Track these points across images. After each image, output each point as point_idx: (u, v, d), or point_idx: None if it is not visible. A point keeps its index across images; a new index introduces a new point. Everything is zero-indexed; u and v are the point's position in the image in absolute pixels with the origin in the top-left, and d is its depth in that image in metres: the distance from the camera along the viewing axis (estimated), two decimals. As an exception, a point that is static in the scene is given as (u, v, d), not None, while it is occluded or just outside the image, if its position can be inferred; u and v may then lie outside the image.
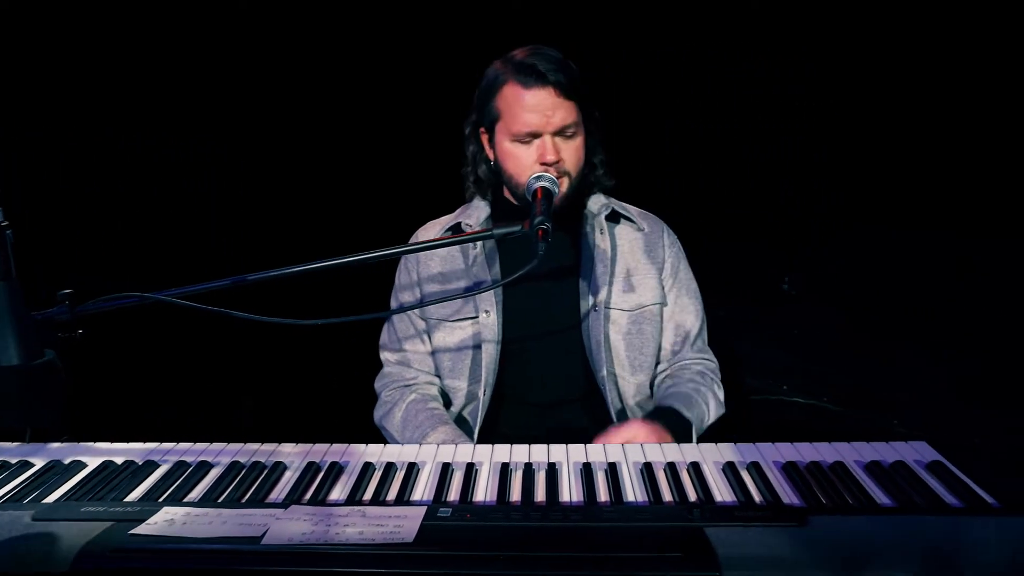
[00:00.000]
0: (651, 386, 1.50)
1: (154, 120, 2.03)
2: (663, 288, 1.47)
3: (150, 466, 1.06)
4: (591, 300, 1.41)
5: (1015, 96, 2.08)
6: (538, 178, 1.29)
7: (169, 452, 1.11)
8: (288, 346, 2.07)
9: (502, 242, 1.47)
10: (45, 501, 0.96)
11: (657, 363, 1.50)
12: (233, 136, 2.06)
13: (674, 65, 2.20)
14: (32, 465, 1.08)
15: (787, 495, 0.90)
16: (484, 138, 1.46)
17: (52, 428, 1.12)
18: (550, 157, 1.31)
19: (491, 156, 1.45)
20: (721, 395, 1.47)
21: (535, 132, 1.31)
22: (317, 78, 2.05)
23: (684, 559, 0.72)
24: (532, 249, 1.11)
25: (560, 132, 1.32)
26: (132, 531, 0.81)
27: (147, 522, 0.83)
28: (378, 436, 1.49)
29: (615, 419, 1.39)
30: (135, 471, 1.05)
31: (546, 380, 1.44)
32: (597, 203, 1.49)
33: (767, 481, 0.94)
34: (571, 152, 1.35)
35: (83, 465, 1.08)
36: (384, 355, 1.54)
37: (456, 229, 1.50)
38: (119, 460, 1.08)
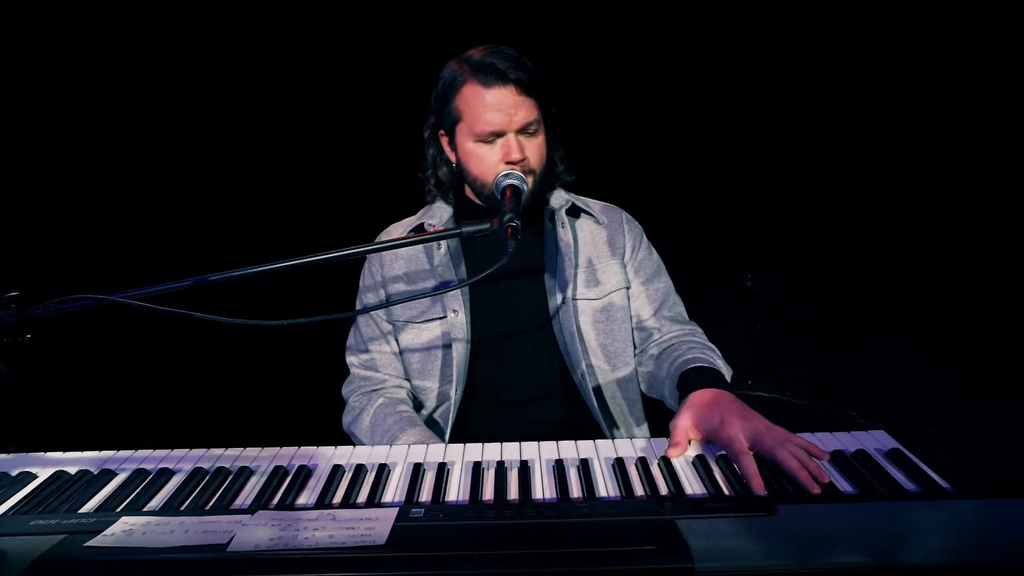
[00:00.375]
0: (636, 381, 1.49)
1: (146, 120, 2.00)
2: (626, 273, 1.48)
3: (106, 475, 1.02)
4: (559, 295, 1.41)
5: (975, 89, 2.17)
6: (506, 175, 1.28)
7: (127, 460, 1.07)
8: (252, 349, 2.02)
9: (467, 242, 1.47)
10: (-9, 515, 0.91)
11: (635, 349, 1.49)
12: (217, 136, 2.04)
13: (638, 63, 2.23)
14: (-27, 478, 1.02)
15: (752, 487, 0.92)
16: (444, 140, 1.43)
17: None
18: (515, 156, 1.30)
19: (452, 158, 1.43)
20: (721, 361, 1.39)
21: (498, 131, 1.30)
22: (279, 81, 2.03)
23: (657, 552, 0.73)
24: (503, 246, 1.10)
25: (523, 130, 1.32)
26: (87, 543, 0.77)
27: (103, 533, 0.79)
28: (347, 440, 1.46)
29: (596, 414, 1.39)
30: (90, 481, 1.00)
31: (518, 377, 1.44)
32: (559, 199, 1.50)
33: (735, 473, 0.95)
34: (534, 150, 1.34)
35: (32, 476, 1.02)
36: (350, 359, 1.52)
37: (419, 230, 1.48)
38: (72, 470, 1.03)
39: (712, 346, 1.41)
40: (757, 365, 3.60)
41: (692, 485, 0.94)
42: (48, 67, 1.93)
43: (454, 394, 1.37)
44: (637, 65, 2.08)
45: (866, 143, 2.58)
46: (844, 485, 0.92)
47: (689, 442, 1.06)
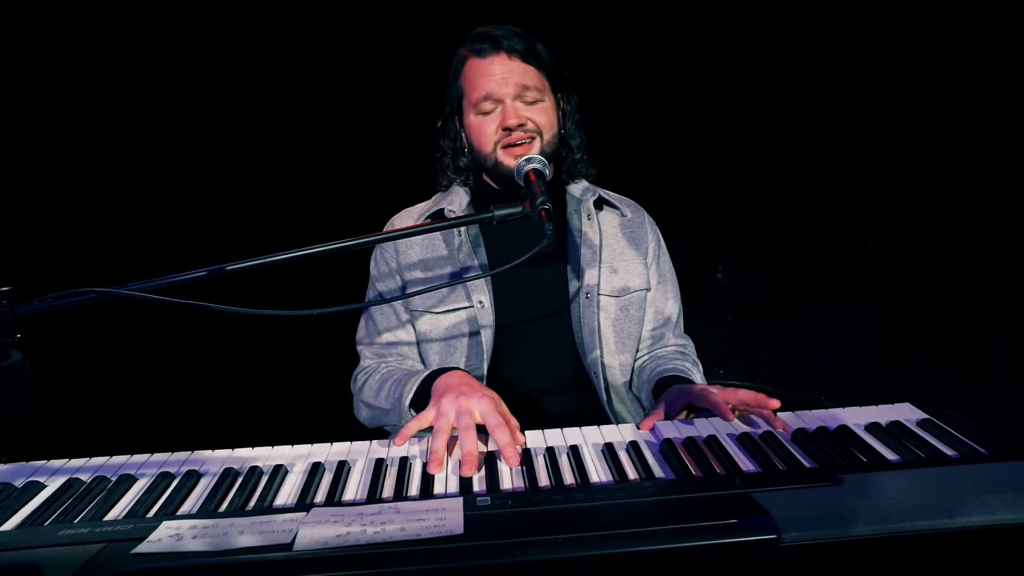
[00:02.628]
0: (631, 370, 1.51)
1: (147, 109, 1.89)
2: (648, 274, 1.49)
3: (127, 480, 0.94)
4: (578, 284, 1.41)
5: (942, 79, 2.28)
6: (528, 160, 1.26)
7: (145, 464, 0.99)
8: (252, 345, 1.93)
9: (486, 227, 1.44)
10: (3, 529, 0.83)
11: (637, 348, 1.51)
12: (217, 132, 1.95)
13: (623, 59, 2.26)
14: (-26, 491, 0.93)
15: (806, 459, 0.94)
16: (456, 124, 1.44)
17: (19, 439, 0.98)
18: (512, 120, 1.30)
19: (464, 142, 1.43)
20: (699, 375, 1.49)
21: (493, 96, 1.31)
22: (283, 72, 1.97)
23: (740, 525, 0.73)
24: (540, 230, 1.08)
25: (520, 96, 1.32)
26: (134, 551, 0.71)
27: (148, 540, 0.73)
28: (365, 433, 1.41)
29: (605, 404, 1.39)
30: (110, 488, 0.92)
31: (535, 367, 1.42)
32: (580, 188, 1.49)
33: (784, 448, 0.97)
34: (539, 114, 1.33)
35: (41, 486, 0.94)
36: (362, 349, 1.46)
37: (437, 216, 1.45)
38: (86, 477, 0.95)
39: (698, 361, 1.50)
40: (729, 354, 3.70)
41: (744, 463, 0.94)
42: (49, 66, 1.85)
43: (481, 376, 1.34)
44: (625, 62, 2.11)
45: (832, 132, 2.70)
46: (888, 454, 0.94)
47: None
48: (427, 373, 1.24)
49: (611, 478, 0.92)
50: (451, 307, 1.38)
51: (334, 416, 1.50)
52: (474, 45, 1.34)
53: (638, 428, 1.07)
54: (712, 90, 2.49)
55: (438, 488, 0.91)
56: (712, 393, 1.11)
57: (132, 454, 1.03)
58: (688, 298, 1.56)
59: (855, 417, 1.07)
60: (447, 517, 0.76)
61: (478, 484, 0.92)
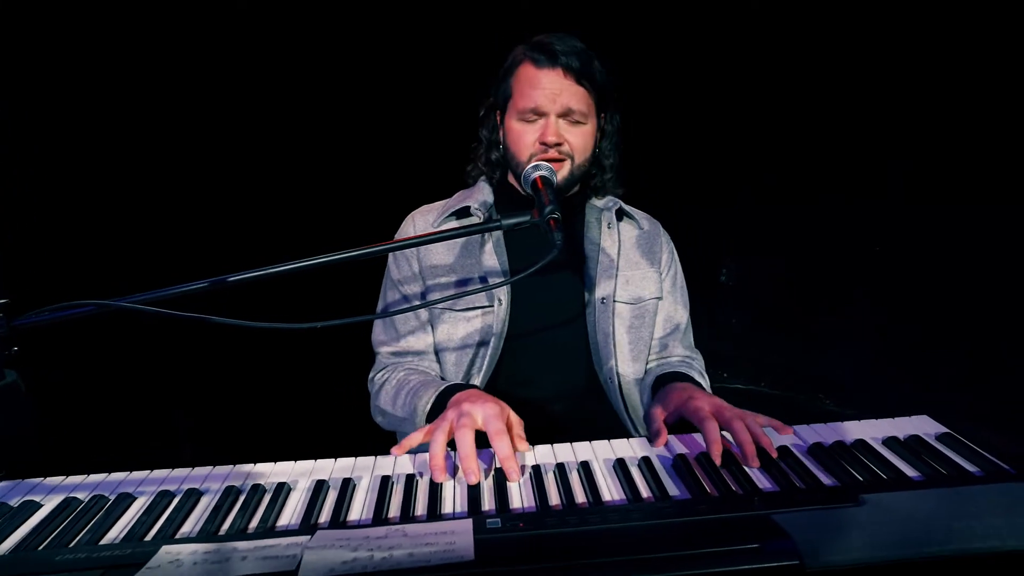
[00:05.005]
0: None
1: (147, 116, 1.87)
2: (661, 284, 1.49)
3: (125, 499, 0.92)
4: (597, 293, 1.39)
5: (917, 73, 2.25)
6: (535, 167, 1.25)
7: (144, 482, 0.97)
8: (256, 357, 1.90)
9: (509, 231, 1.43)
10: (-2, 552, 0.80)
11: (649, 351, 1.49)
12: (220, 134, 1.92)
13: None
14: (-32, 511, 0.90)
15: (824, 476, 0.91)
16: (498, 118, 1.44)
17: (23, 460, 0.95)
18: (551, 138, 1.30)
19: (501, 139, 1.44)
20: (706, 385, 1.45)
21: (539, 110, 1.31)
22: (285, 77, 1.94)
23: (761, 550, 0.70)
24: (549, 239, 1.05)
25: (566, 115, 1.32)
26: (133, 578, 0.68)
27: (147, 566, 0.71)
28: (374, 446, 1.38)
29: (622, 414, 1.37)
30: (108, 507, 0.90)
31: (548, 374, 1.40)
32: (605, 201, 1.50)
33: (801, 464, 0.94)
34: (577, 136, 1.34)
35: (37, 505, 0.91)
36: (379, 350, 1.45)
37: (462, 213, 1.43)
38: (83, 496, 0.92)
39: (704, 374, 1.47)
40: (733, 357, 3.68)
41: (761, 480, 0.92)
42: (45, 68, 1.82)
43: (480, 385, 1.32)
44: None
45: (839, 130, 2.66)
46: (909, 471, 0.92)
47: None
48: (443, 388, 1.22)
49: (623, 496, 0.89)
50: (471, 305, 1.37)
51: (343, 426, 1.47)
52: (533, 53, 1.32)
53: (650, 443, 1.05)
54: (713, 85, 2.46)
55: (446, 506, 0.89)
56: (707, 419, 1.01)
57: (132, 469, 1.00)
58: (692, 300, 1.53)
59: (872, 430, 1.04)
60: (456, 541, 0.73)
61: (487, 502, 0.89)
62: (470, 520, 0.78)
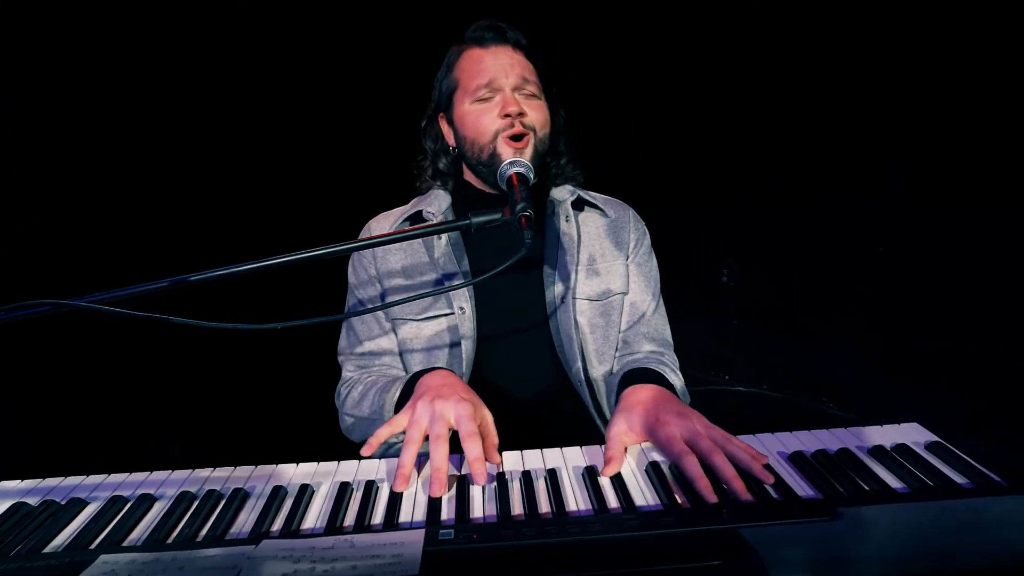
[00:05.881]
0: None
1: (117, 115, 1.85)
2: (628, 274, 1.42)
3: (77, 505, 0.89)
4: (556, 290, 1.34)
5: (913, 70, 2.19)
6: (512, 163, 1.21)
7: (99, 487, 0.94)
8: (237, 356, 1.88)
9: (467, 232, 1.38)
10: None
11: (616, 348, 1.42)
12: (220, 133, 1.91)
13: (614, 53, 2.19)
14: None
15: (801, 488, 0.86)
16: (443, 122, 1.41)
17: None
18: (513, 108, 1.27)
19: (451, 139, 1.40)
20: (683, 386, 1.37)
21: (494, 85, 1.29)
22: (255, 75, 1.91)
23: (725, 567, 0.66)
24: (517, 238, 1.02)
25: (520, 88, 1.30)
26: (61, 590, 0.65)
27: (81, 577, 0.67)
28: (346, 452, 1.35)
29: (593, 414, 1.33)
30: (56, 512, 0.87)
31: (515, 375, 1.36)
32: (563, 192, 1.44)
33: (776, 473, 0.89)
34: (535, 111, 1.31)
35: (-15, 511, 0.88)
36: (344, 362, 1.41)
37: (416, 219, 1.39)
38: (34, 501, 0.90)
39: (677, 371, 1.37)
40: (734, 359, 3.61)
41: (735, 488, 0.87)
42: (25, 65, 1.79)
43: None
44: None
45: (838, 130, 2.60)
46: (893, 482, 0.87)
47: (626, 450, 0.98)
48: (411, 376, 1.18)
49: (590, 506, 0.85)
50: (433, 314, 1.32)
51: (324, 429, 1.44)
52: (476, 34, 1.33)
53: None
54: (713, 84, 2.41)
55: (404, 515, 0.85)
56: (684, 455, 0.89)
57: (122, 471, 0.98)
58: (692, 302, 1.48)
59: (857, 439, 0.99)
60: (403, 553, 0.70)
61: (447, 511, 0.85)
62: (423, 531, 0.74)
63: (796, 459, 0.94)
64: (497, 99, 1.29)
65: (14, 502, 0.89)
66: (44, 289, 0.99)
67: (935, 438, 0.98)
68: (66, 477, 0.97)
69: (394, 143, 1.66)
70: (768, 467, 0.89)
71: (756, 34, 2.28)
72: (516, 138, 1.28)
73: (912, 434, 1.01)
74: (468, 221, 1.06)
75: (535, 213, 1.40)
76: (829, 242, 3.14)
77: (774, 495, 0.85)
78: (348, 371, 1.40)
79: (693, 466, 0.87)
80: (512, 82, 1.28)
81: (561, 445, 1.02)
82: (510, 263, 0.96)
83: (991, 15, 2.02)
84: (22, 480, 0.97)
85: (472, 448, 0.92)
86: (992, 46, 2.06)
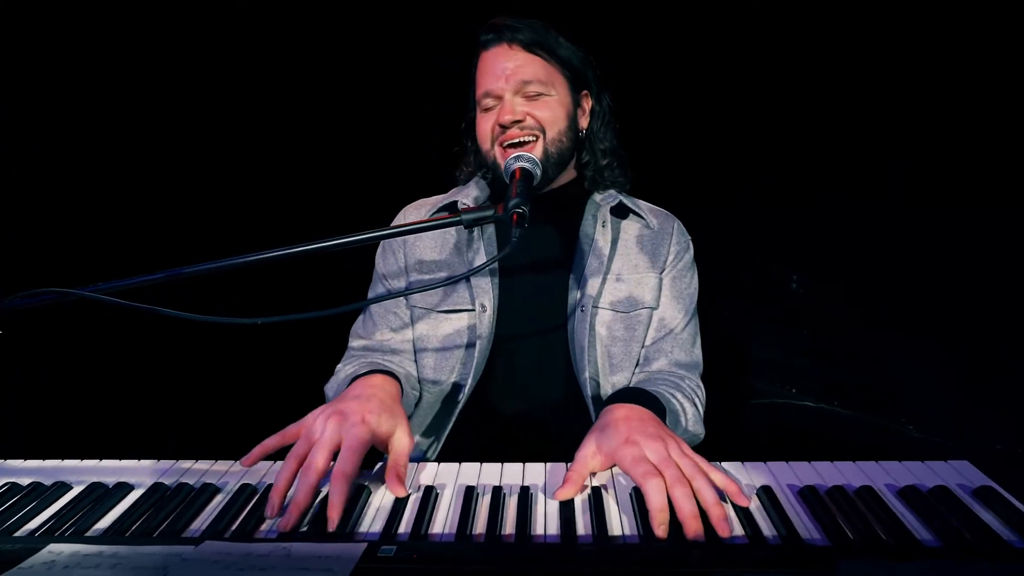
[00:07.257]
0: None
1: (122, 105, 1.93)
2: (659, 288, 1.32)
3: (61, 488, 0.91)
4: (578, 295, 1.26)
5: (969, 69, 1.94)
6: (516, 158, 1.15)
7: (87, 471, 0.96)
8: (237, 349, 1.93)
9: (502, 228, 1.35)
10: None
11: (636, 364, 1.32)
12: (219, 133, 1.96)
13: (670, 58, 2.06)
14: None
15: (806, 529, 0.75)
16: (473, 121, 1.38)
17: None
18: (506, 117, 1.22)
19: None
20: (699, 413, 1.23)
21: (493, 93, 1.24)
22: (268, 66, 1.94)
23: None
24: (510, 235, 0.95)
25: (523, 90, 1.23)
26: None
27: (20, 566, 0.68)
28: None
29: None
30: (43, 494, 0.90)
31: (528, 382, 1.29)
32: (604, 196, 1.37)
33: (781, 510, 0.78)
34: (542, 109, 1.24)
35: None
36: (351, 340, 1.38)
37: (451, 208, 1.37)
38: (24, 481, 0.93)
39: (695, 401, 1.22)
40: (802, 371, 3.35)
41: (724, 525, 0.76)
42: (25, 65, 1.88)
43: (466, 391, 1.23)
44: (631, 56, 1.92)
45: (839, 129, 2.33)
46: (922, 533, 0.73)
47: (593, 475, 0.88)
48: (353, 375, 1.12)
49: (556, 532, 0.77)
50: (453, 307, 1.29)
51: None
52: (482, 37, 1.28)
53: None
54: (713, 84, 2.23)
55: (363, 524, 0.81)
56: (641, 463, 0.81)
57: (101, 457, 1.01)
58: (758, 309, 1.36)
59: (887, 475, 0.85)
60: (333, 568, 0.65)
61: (405, 524, 0.80)
62: (362, 546, 0.70)
63: (807, 494, 0.81)
64: (498, 108, 1.25)
65: (6, 481, 0.93)
66: (44, 286, 1.01)
67: (987, 482, 0.83)
68: (63, 460, 1.00)
69: (411, 135, 1.63)
70: (746, 511, 0.77)
71: (756, 34, 2.10)
72: (515, 146, 1.24)
73: (959, 474, 0.85)
74: (460, 218, 1.01)
75: (571, 214, 1.35)
76: (920, 241, 2.83)
77: (769, 535, 0.74)
78: (350, 351, 1.37)
79: (653, 492, 0.76)
80: (510, 87, 1.22)
81: (568, 456, 0.94)
82: (492, 261, 0.91)
83: (991, 15, 1.79)
84: (23, 460, 1.01)
85: (332, 493, 0.79)
86: (992, 46, 1.82)
